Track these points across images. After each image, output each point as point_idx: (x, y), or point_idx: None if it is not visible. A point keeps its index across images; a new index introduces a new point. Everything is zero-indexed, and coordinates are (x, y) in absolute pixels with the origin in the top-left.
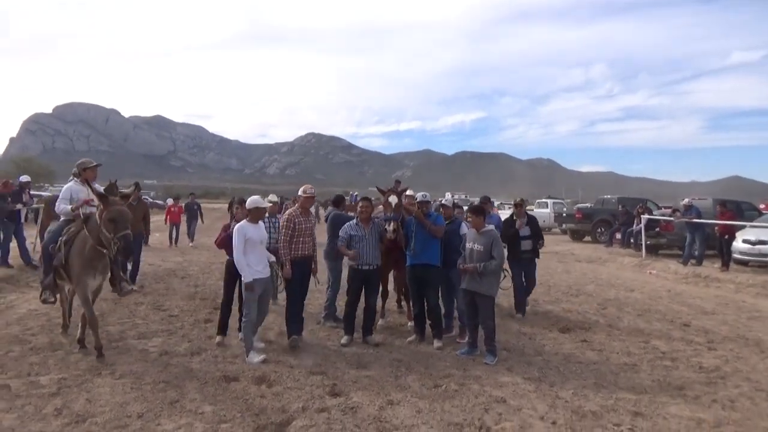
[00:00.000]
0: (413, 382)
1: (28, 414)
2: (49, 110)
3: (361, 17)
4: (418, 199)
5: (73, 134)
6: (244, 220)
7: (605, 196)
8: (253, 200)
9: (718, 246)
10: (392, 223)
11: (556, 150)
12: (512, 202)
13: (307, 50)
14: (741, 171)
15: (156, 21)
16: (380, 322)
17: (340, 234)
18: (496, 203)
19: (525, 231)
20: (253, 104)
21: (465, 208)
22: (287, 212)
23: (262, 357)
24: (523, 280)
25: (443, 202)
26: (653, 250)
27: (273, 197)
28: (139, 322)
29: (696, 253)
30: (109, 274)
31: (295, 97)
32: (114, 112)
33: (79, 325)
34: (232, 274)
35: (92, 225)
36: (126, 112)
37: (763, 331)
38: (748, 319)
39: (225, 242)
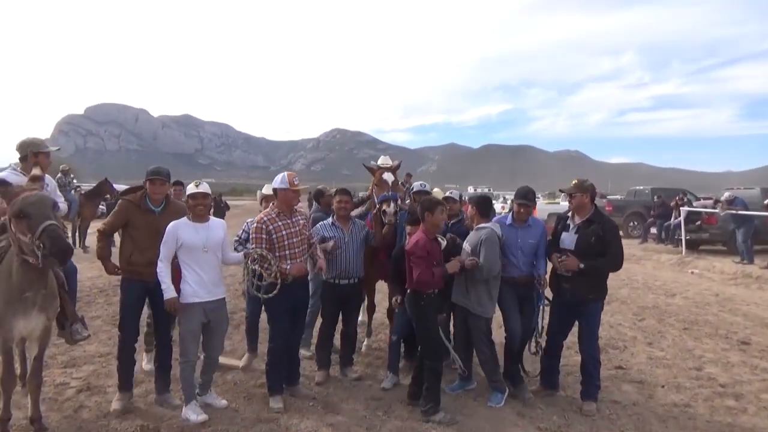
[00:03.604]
0: None
1: None
2: (81, 111)
3: (385, 9)
4: (414, 189)
5: (104, 134)
6: (184, 218)
7: (637, 187)
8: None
9: None
10: (392, 203)
11: (584, 141)
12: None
13: (331, 45)
14: None
15: (180, 22)
16: (365, 342)
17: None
18: (540, 198)
19: (569, 239)
20: (279, 101)
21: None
22: (258, 216)
23: (203, 416)
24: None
25: (448, 194)
26: (693, 246)
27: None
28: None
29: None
30: (58, 309)
31: (320, 92)
32: (143, 112)
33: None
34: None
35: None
36: (155, 112)
37: None
38: None
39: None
